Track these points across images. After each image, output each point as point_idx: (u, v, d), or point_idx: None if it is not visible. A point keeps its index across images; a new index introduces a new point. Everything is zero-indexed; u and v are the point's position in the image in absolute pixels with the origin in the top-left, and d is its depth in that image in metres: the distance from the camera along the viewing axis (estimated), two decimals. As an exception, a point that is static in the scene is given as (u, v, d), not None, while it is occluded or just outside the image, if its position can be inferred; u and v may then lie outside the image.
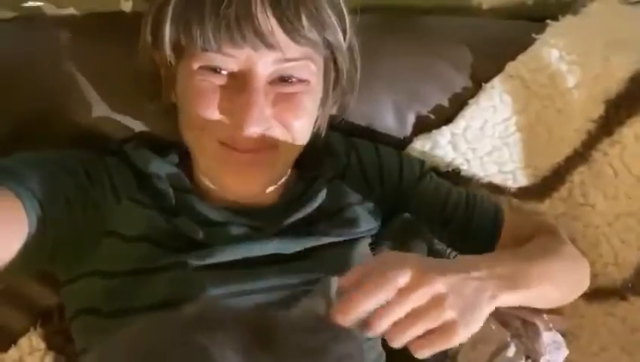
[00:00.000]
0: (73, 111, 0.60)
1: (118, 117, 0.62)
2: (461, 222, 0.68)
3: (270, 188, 0.60)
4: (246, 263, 0.54)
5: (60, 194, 0.50)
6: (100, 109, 0.62)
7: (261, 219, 0.58)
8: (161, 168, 0.59)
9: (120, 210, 0.54)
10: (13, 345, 0.60)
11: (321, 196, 0.61)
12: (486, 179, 0.76)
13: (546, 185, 0.76)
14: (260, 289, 0.54)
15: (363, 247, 0.61)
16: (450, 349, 0.67)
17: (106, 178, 0.56)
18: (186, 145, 0.58)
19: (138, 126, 0.63)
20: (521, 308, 0.71)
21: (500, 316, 0.71)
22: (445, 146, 0.73)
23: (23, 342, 0.60)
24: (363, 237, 0.62)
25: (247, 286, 0.53)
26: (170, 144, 0.62)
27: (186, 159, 0.61)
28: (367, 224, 0.63)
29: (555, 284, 0.56)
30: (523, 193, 0.77)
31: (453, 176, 0.75)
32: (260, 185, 0.57)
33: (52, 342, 0.61)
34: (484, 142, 0.74)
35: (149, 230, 0.54)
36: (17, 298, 0.62)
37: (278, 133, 0.55)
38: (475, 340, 0.68)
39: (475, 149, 0.74)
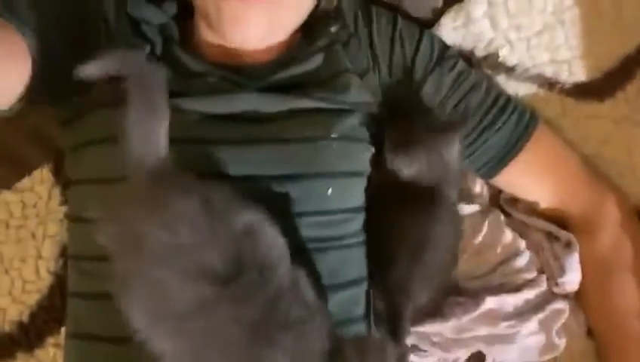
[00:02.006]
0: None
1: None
2: (475, 127, 0.59)
3: (268, 44, 0.56)
4: (221, 118, 0.52)
5: (57, 32, 0.51)
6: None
7: (246, 75, 0.55)
8: (154, 16, 0.57)
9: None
10: (27, 175, 0.65)
11: (316, 60, 0.56)
12: (533, 70, 0.65)
13: (609, 81, 0.63)
14: (231, 140, 0.51)
15: (352, 121, 0.55)
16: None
17: (101, 20, 0.56)
18: None
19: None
20: (553, 222, 0.61)
21: (520, 226, 0.61)
22: (480, 20, 0.62)
23: (36, 173, 0.65)
24: (354, 111, 0.56)
25: (219, 137, 0.51)
26: None
27: (185, 14, 0.59)
28: (360, 96, 0.57)
29: None
30: (579, 90, 0.65)
31: (492, 64, 0.64)
32: (256, 35, 0.53)
33: (59, 177, 0.65)
34: (533, 17, 0.62)
35: None
36: (39, 135, 0.67)
37: None
38: (482, 246, 0.60)
39: (519, 27, 0.62)
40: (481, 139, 0.59)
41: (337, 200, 0.53)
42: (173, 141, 0.50)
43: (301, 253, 0.51)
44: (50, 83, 0.49)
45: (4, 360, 0.62)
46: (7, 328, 0.62)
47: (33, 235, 0.64)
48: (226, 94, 0.53)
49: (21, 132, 0.67)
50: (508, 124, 0.59)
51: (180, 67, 0.55)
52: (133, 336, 0.48)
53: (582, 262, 0.59)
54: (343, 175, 0.54)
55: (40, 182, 0.66)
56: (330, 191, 0.52)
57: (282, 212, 0.51)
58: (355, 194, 0.56)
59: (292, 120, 0.53)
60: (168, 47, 0.56)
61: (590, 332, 0.61)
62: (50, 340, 0.62)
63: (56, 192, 0.65)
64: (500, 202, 0.66)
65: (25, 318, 0.62)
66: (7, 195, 0.65)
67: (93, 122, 0.53)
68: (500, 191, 0.66)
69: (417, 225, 0.55)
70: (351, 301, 0.54)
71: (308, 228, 0.52)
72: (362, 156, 0.57)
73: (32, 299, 0.63)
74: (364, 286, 0.56)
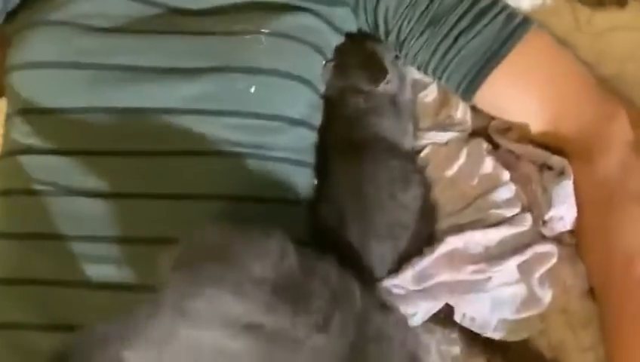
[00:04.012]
0: None
1: None
2: (449, 31, 0.49)
3: None
4: (152, 7, 0.49)
5: None
6: None
7: None
8: None
9: None
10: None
11: None
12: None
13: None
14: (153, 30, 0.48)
15: (300, 20, 0.49)
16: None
17: None
18: None
19: None
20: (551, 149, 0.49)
21: (509, 159, 0.50)
22: None
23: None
24: (305, 9, 0.49)
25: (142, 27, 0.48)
26: None
27: None
28: None
29: None
30: (594, -6, 0.52)
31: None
32: None
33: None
34: None
35: None
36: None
37: None
38: (457, 177, 0.50)
39: None
40: (457, 46, 0.49)
41: (265, 102, 0.47)
42: (94, 29, 0.47)
43: (217, 156, 0.45)
44: None
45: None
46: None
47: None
48: None
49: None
50: (490, 28, 0.49)
51: None
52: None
53: (582, 190, 0.46)
54: (272, 73, 0.47)
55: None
56: (253, 89, 0.46)
57: (198, 110, 0.45)
58: (292, 101, 0.49)
59: (225, 14, 0.48)
60: None
61: (593, 293, 0.48)
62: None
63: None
64: (488, 132, 0.54)
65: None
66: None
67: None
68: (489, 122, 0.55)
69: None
70: (278, 219, 0.47)
71: (227, 130, 0.46)
72: (305, 60, 0.50)
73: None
74: (298, 210, 0.48)
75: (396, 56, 0.53)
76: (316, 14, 0.50)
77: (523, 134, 0.51)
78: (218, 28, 0.47)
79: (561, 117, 0.49)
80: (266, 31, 0.47)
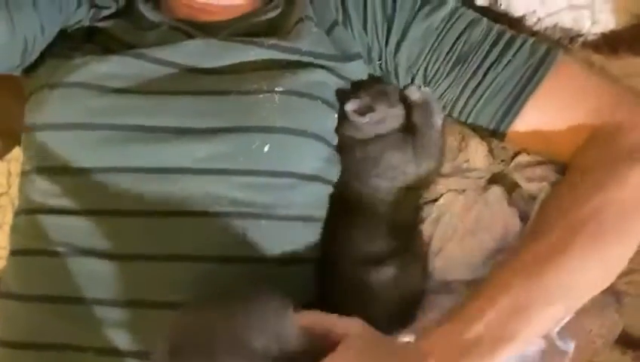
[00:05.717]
0: None
1: None
2: (480, 65, 0.48)
3: (232, 3, 0.53)
4: (165, 67, 0.49)
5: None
6: None
7: (200, 28, 0.52)
8: None
9: (79, 13, 0.54)
10: (18, 145, 0.66)
11: (274, 12, 0.52)
12: (547, 20, 0.54)
13: (646, 28, 0.50)
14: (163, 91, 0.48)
15: (309, 77, 0.49)
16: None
17: None
18: None
19: None
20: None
21: (523, 201, 0.50)
22: (477, -39, 0.53)
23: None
24: (313, 66, 0.50)
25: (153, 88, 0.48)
26: None
27: None
28: (320, 46, 0.51)
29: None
30: (608, 42, 0.53)
31: (493, 14, 0.54)
32: None
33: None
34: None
35: (92, 27, 0.53)
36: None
37: None
38: (476, 227, 0.50)
39: (525, -34, 0.53)
40: (487, 80, 0.48)
41: (278, 161, 0.47)
42: (107, 90, 0.48)
43: (229, 217, 0.45)
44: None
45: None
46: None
47: (14, 204, 0.64)
48: (174, 43, 0.50)
49: (14, 106, 0.69)
50: (519, 57, 0.48)
51: (140, 20, 0.54)
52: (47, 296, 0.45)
53: None
54: (286, 132, 0.47)
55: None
56: (267, 148, 0.46)
57: (210, 170, 0.45)
58: (305, 157, 0.48)
59: (239, 73, 0.49)
60: (132, 2, 0.55)
61: (625, 343, 0.46)
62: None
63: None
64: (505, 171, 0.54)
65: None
66: (-3, 164, 0.66)
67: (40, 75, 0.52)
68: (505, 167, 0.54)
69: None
70: (288, 279, 0.47)
71: (239, 189, 0.46)
72: (318, 115, 0.50)
73: (2, 264, 0.62)
74: (306, 267, 0.49)
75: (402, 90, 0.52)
76: (328, 69, 0.50)
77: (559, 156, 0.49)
78: (232, 87, 0.47)
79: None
80: (280, 89, 0.47)
